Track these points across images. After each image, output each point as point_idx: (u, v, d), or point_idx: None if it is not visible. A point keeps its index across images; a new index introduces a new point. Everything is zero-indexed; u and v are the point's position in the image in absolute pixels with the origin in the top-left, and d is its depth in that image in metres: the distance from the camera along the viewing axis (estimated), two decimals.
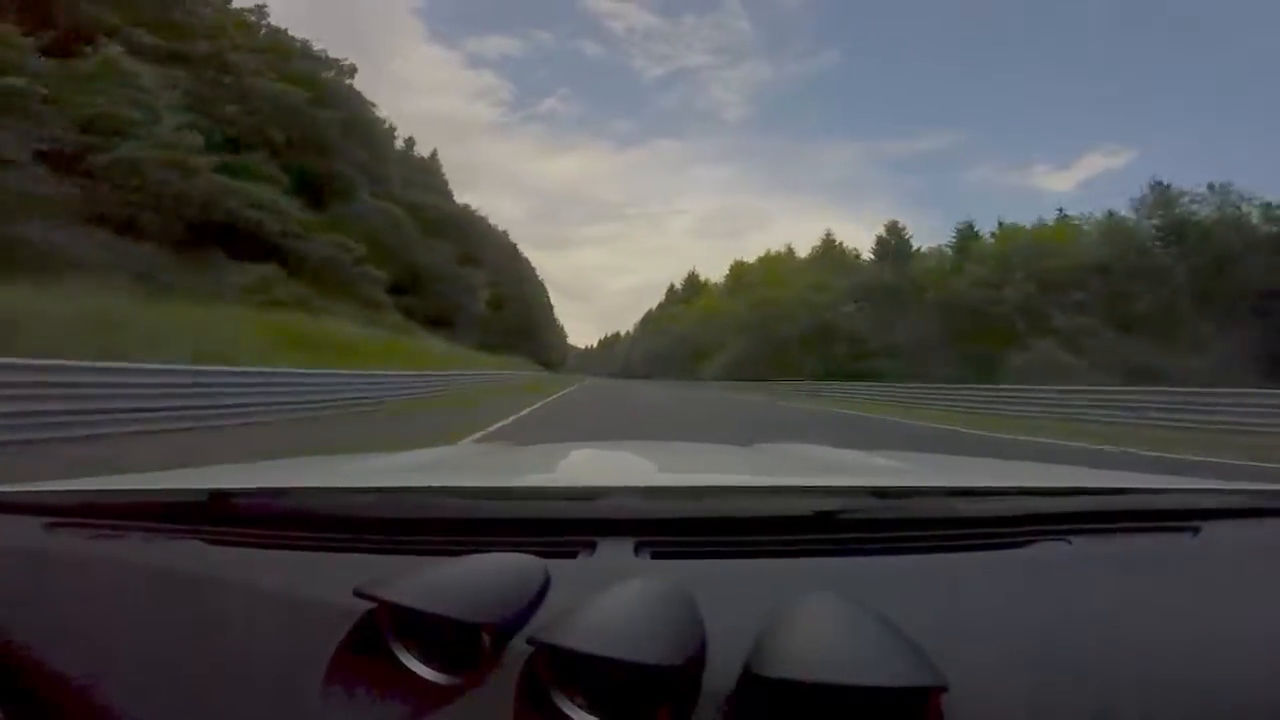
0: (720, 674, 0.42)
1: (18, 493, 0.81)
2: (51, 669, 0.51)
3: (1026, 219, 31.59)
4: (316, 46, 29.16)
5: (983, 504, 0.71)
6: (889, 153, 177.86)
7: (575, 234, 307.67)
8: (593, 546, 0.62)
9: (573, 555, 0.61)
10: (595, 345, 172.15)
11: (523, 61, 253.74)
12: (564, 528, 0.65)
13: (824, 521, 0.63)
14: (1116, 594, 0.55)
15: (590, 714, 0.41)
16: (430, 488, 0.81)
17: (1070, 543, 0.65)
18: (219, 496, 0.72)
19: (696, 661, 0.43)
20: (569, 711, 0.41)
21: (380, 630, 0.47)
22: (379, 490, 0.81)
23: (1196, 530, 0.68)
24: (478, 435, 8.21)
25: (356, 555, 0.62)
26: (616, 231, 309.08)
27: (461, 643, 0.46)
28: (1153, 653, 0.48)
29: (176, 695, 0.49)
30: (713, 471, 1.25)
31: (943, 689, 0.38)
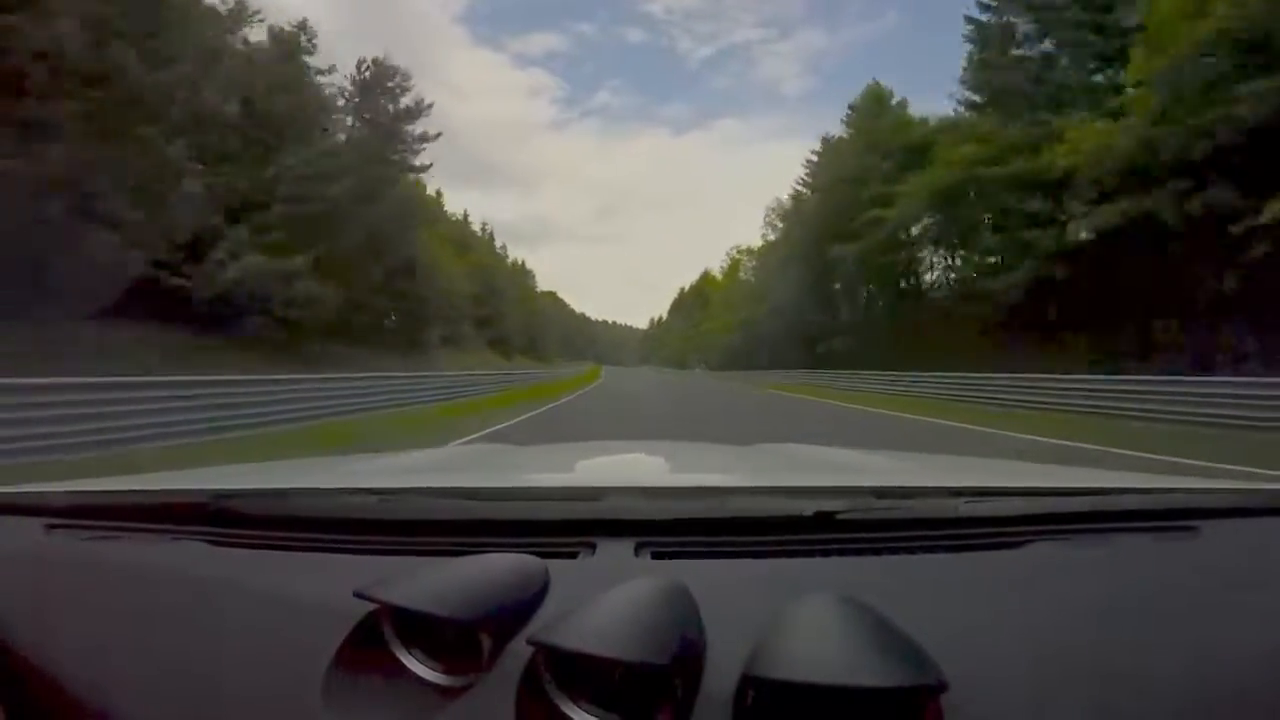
0: (720, 674, 0.42)
1: (18, 494, 0.81)
2: (51, 669, 0.51)
3: None
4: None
5: (982, 504, 0.71)
6: None
7: (639, 224, 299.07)
8: (593, 547, 0.62)
9: (573, 556, 0.61)
10: (656, 321, 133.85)
11: (569, 57, 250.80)
12: (564, 528, 0.65)
13: (824, 522, 0.63)
14: (1115, 594, 0.55)
15: (591, 714, 0.41)
16: (430, 489, 0.81)
17: (1069, 542, 0.66)
18: (219, 498, 0.72)
19: (696, 662, 0.43)
20: (570, 712, 0.41)
21: (381, 631, 0.48)
22: (379, 491, 0.81)
23: (1195, 530, 0.68)
24: None
25: (357, 556, 0.62)
26: (681, 218, 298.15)
27: (462, 643, 0.46)
28: (1151, 652, 0.48)
29: (177, 696, 0.49)
30: (713, 472, 1.25)
31: (943, 689, 0.38)
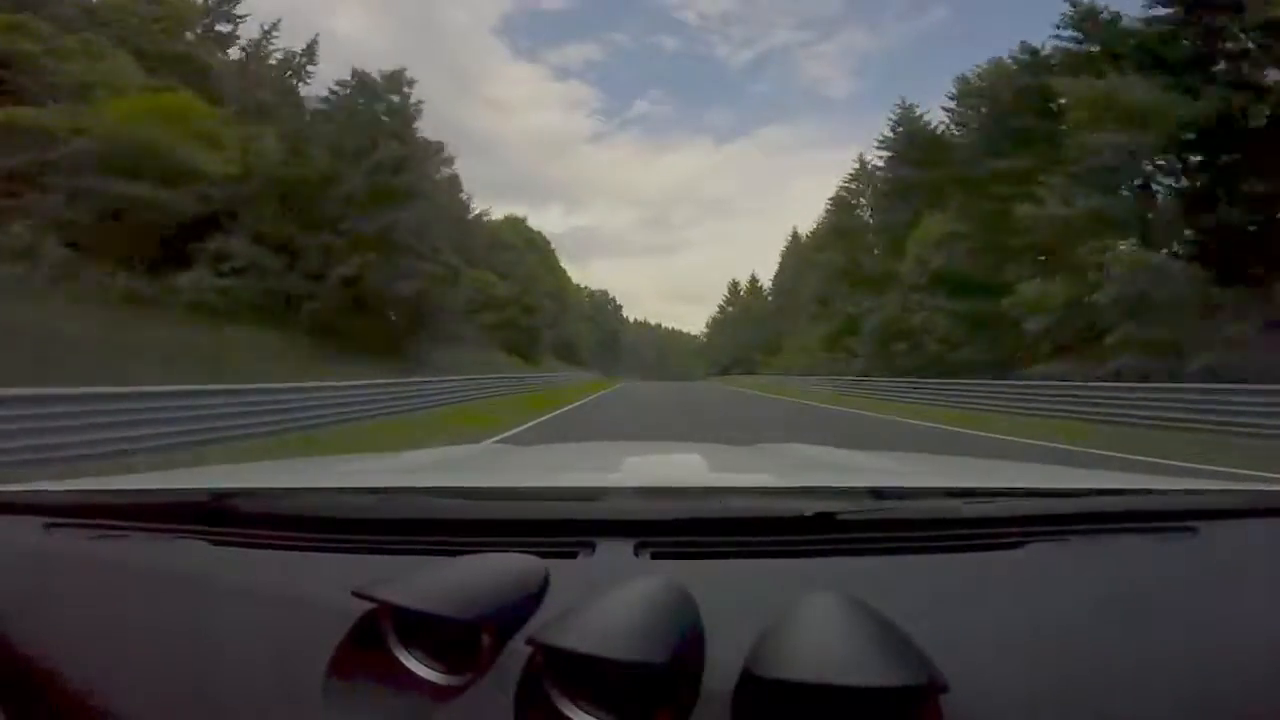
0: (720, 674, 0.42)
1: (17, 492, 0.81)
2: (51, 669, 0.51)
3: None
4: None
5: (981, 505, 0.71)
6: None
7: (685, 235, 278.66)
8: (592, 547, 0.62)
9: (572, 556, 0.61)
10: (742, 289, 79.43)
11: (606, 68, 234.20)
12: (563, 528, 0.65)
13: (823, 522, 0.63)
14: (1114, 594, 0.56)
15: (590, 715, 0.41)
16: (430, 488, 0.81)
17: (1068, 543, 0.66)
18: (218, 497, 0.72)
19: (696, 662, 0.43)
20: (569, 712, 0.41)
21: (380, 631, 0.48)
22: (379, 491, 0.81)
23: (1194, 531, 0.68)
24: None
25: (356, 556, 0.62)
26: (728, 228, 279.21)
27: (461, 643, 0.46)
28: (1150, 653, 0.48)
29: (176, 695, 0.49)
30: (712, 472, 1.25)
31: (942, 689, 0.38)
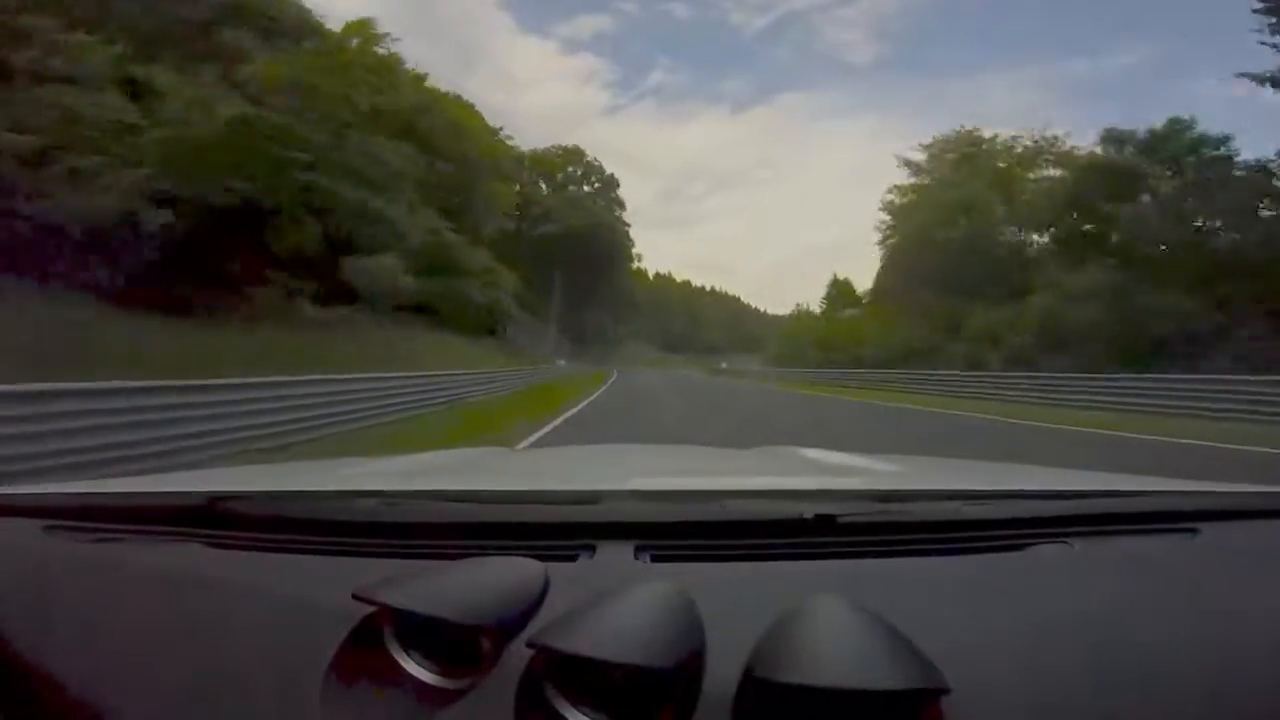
0: (721, 677, 0.42)
1: (17, 495, 0.81)
2: (51, 670, 0.51)
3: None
4: None
5: (983, 507, 0.71)
6: (1063, 76, 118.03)
7: (704, 207, 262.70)
8: (592, 550, 0.62)
9: (573, 559, 0.60)
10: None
11: (617, 39, 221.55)
12: (564, 531, 0.65)
13: (825, 525, 0.63)
14: (1116, 596, 0.55)
15: (590, 718, 0.41)
16: (429, 491, 0.81)
17: (1070, 545, 0.66)
18: (217, 500, 0.72)
19: (697, 665, 0.43)
20: (569, 715, 0.41)
21: (380, 634, 0.47)
22: (378, 494, 0.81)
23: (1195, 532, 0.68)
24: None
25: (355, 559, 0.62)
26: (748, 198, 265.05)
27: (461, 646, 0.45)
28: (1153, 655, 0.48)
29: (176, 698, 0.49)
30: (713, 475, 1.25)
31: (944, 691, 0.38)
